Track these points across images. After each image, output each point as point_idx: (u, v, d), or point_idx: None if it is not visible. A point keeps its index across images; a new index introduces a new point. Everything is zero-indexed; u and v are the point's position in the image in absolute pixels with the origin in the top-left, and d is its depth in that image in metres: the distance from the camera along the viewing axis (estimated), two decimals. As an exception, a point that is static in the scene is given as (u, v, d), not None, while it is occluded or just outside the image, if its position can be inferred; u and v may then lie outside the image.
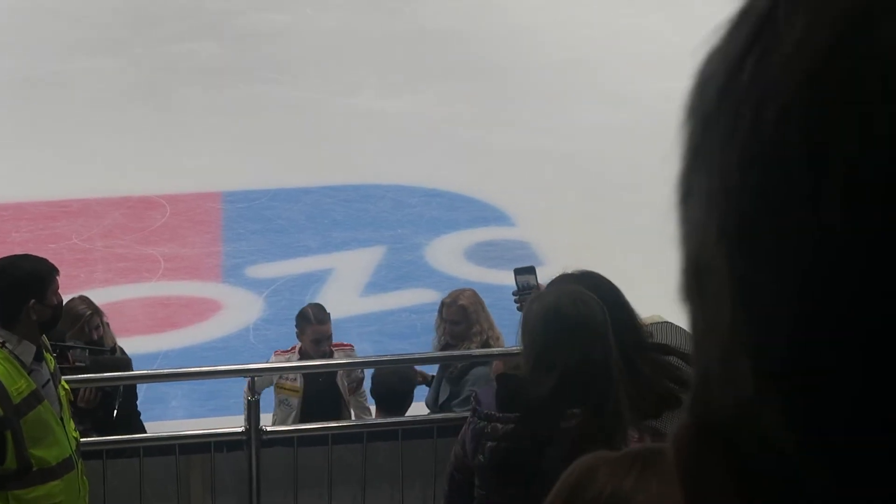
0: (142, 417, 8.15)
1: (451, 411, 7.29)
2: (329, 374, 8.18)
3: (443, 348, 8.01)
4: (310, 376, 8.11)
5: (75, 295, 7.83)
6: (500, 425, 4.12)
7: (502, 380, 4.34)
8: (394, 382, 7.72)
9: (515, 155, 14.93)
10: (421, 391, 8.10)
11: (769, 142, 0.52)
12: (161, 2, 19.94)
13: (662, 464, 1.55)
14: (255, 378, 8.13)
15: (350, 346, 8.62)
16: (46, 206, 13.95)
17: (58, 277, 5.76)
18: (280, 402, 8.16)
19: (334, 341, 8.40)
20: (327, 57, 18.04)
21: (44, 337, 5.84)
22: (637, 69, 17.26)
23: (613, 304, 4.29)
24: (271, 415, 8.32)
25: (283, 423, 8.02)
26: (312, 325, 8.19)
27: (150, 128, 15.83)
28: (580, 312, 4.06)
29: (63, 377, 6.27)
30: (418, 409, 8.00)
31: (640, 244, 12.65)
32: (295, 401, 8.07)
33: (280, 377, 8.16)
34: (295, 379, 8.11)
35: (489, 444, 4.12)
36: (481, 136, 15.50)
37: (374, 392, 7.83)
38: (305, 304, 8.67)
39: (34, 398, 5.58)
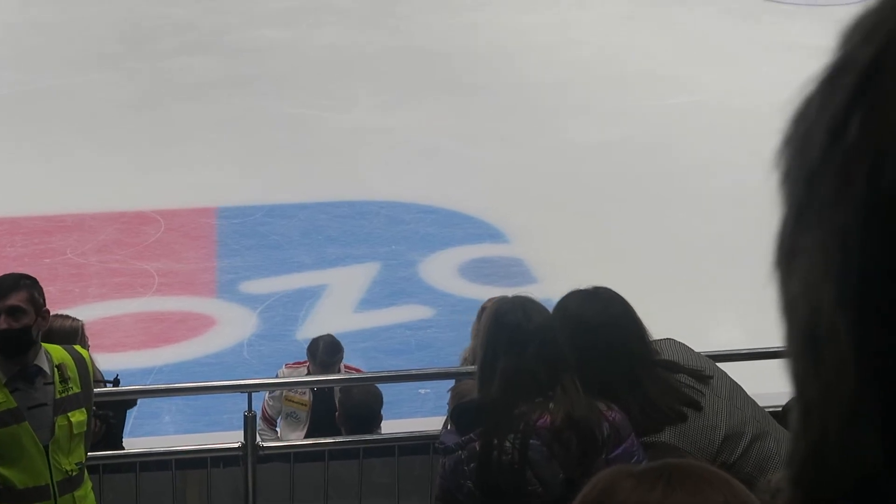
0: (135, 433, 8.16)
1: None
2: (330, 392, 8.20)
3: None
4: (318, 390, 8.13)
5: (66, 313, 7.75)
6: (474, 444, 4.14)
7: (455, 412, 4.42)
8: (362, 404, 7.68)
9: (510, 172, 14.96)
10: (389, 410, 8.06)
11: (890, 198, 0.49)
12: (157, 17, 19.96)
13: (686, 477, 1.57)
14: (270, 404, 8.15)
15: (359, 370, 8.60)
16: (41, 220, 13.94)
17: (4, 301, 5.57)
18: (287, 415, 8.18)
19: (345, 363, 8.40)
20: (323, 73, 18.06)
21: (73, 366, 5.77)
22: (630, 86, 17.30)
23: (623, 319, 4.36)
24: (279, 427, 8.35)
25: (290, 435, 8.05)
26: (316, 365, 8.15)
27: (144, 143, 15.83)
28: (519, 319, 4.21)
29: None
30: (390, 427, 8.00)
31: (635, 261, 12.68)
32: (303, 414, 8.09)
33: (289, 390, 8.18)
34: (304, 392, 8.12)
35: (471, 466, 4.13)
36: (476, 153, 15.52)
37: (342, 413, 7.77)
38: (320, 336, 8.52)
39: (10, 416, 5.49)
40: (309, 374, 8.17)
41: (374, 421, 7.69)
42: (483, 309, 7.98)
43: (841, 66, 0.53)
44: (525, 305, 4.31)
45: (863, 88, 0.52)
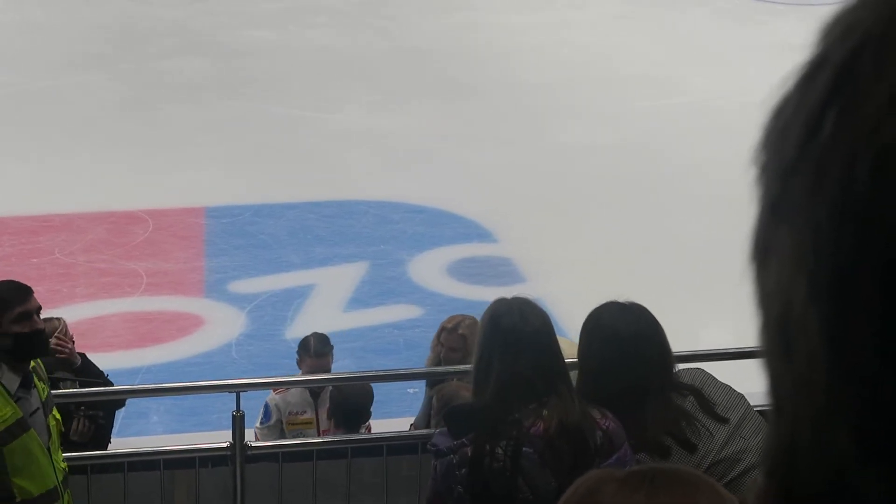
0: (123, 433, 8.13)
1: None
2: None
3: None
4: (319, 405, 8.11)
5: (56, 316, 7.73)
6: (466, 449, 4.12)
7: (448, 415, 4.38)
8: (352, 400, 7.68)
9: (498, 172, 14.96)
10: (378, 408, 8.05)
11: (864, 195, 0.49)
12: (147, 18, 19.93)
13: (670, 481, 1.56)
14: (264, 433, 8.07)
15: None
16: (29, 220, 13.91)
17: (22, 306, 5.59)
18: (295, 438, 8.10)
19: None
20: (312, 74, 18.05)
21: (40, 365, 5.79)
22: (620, 88, 17.31)
23: (650, 339, 4.31)
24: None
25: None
26: (311, 357, 8.16)
27: (133, 143, 15.81)
28: (515, 322, 4.19)
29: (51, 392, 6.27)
30: (378, 426, 7.99)
31: (626, 261, 12.69)
32: (311, 432, 8.04)
33: (289, 414, 8.11)
34: (305, 412, 8.07)
35: (462, 471, 4.11)
36: (464, 153, 15.52)
37: (332, 406, 7.78)
38: (309, 334, 8.58)
39: (19, 427, 5.49)
40: (300, 382, 8.14)
41: (362, 417, 7.70)
42: (442, 328, 7.98)
43: (818, 63, 0.54)
44: (522, 308, 4.26)
45: (838, 86, 0.52)
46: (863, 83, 0.51)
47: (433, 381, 7.76)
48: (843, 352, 0.50)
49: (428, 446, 4.42)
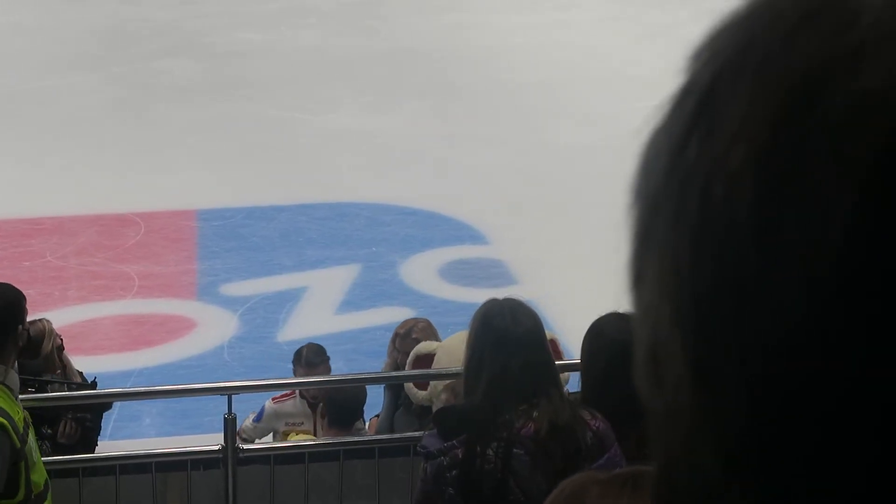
0: (115, 436, 8.11)
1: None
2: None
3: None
4: (317, 416, 8.09)
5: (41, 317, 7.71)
6: (456, 451, 4.12)
7: (438, 416, 4.38)
8: (346, 398, 7.68)
9: (490, 173, 14.95)
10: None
11: (719, 219, 0.51)
12: (138, 19, 19.91)
13: None
14: (251, 427, 8.06)
15: None
16: (21, 223, 13.90)
17: (26, 304, 5.68)
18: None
19: None
20: (303, 75, 18.04)
21: None
22: (610, 89, 17.30)
23: None
24: None
25: None
26: (303, 367, 8.11)
27: (125, 145, 15.79)
28: (507, 323, 4.19)
29: (40, 395, 6.31)
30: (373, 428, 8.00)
31: (617, 263, 12.67)
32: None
33: (285, 425, 8.08)
34: (302, 423, 8.05)
35: (453, 473, 4.11)
36: (456, 154, 15.51)
37: (327, 407, 7.77)
38: (304, 344, 8.48)
39: (26, 426, 5.55)
40: (300, 394, 8.11)
41: (355, 414, 7.70)
42: (396, 334, 7.96)
43: (687, 89, 0.55)
44: (514, 309, 4.27)
45: (700, 113, 0.53)
46: (719, 109, 0.52)
47: (392, 385, 7.73)
48: (703, 376, 0.51)
49: (417, 448, 4.42)
